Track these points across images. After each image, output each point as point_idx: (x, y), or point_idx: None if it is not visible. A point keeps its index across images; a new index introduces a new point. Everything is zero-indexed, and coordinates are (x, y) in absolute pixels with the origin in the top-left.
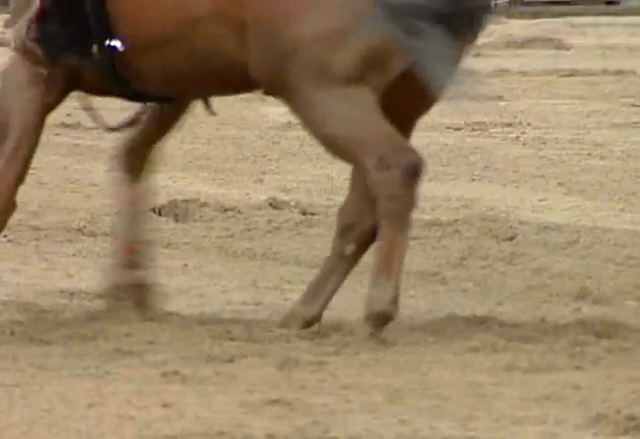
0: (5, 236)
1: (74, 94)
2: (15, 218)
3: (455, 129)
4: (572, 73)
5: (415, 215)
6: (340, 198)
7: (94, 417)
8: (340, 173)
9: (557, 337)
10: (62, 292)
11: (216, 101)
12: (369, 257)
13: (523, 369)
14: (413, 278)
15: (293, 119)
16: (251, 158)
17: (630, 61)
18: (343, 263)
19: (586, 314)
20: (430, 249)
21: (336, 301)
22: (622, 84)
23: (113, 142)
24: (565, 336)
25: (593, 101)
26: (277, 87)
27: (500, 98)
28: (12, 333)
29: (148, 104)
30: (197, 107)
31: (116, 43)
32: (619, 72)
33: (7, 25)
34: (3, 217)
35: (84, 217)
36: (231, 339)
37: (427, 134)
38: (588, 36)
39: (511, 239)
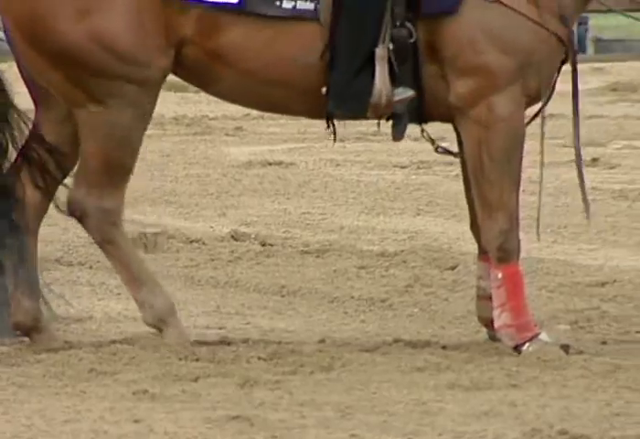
0: None
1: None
2: None
3: (402, 167)
4: None
5: (365, 246)
6: (297, 231)
7: (71, 432)
8: (296, 208)
9: (495, 357)
10: None
11: (183, 143)
12: (322, 285)
13: (464, 388)
14: (363, 304)
15: (254, 158)
16: (215, 194)
17: (560, 106)
18: None
19: None
20: (378, 277)
21: (293, 325)
22: (553, 126)
23: None
24: (503, 356)
25: (527, 141)
26: None
27: (443, 139)
28: None
29: None
30: (167, 147)
31: None
32: (550, 115)
33: None
34: None
35: (61, 248)
36: (197, 360)
37: (375, 172)
38: None
39: (453, 268)
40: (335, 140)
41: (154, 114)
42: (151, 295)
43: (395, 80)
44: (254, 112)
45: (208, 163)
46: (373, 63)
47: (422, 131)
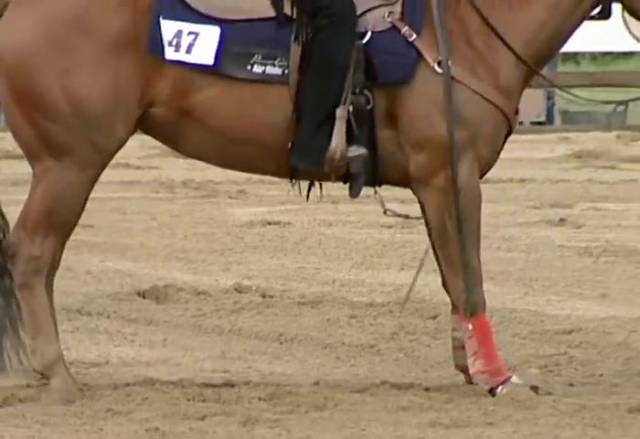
0: None
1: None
2: None
3: (388, 227)
4: (485, 181)
5: (355, 297)
6: (293, 284)
7: None
8: (293, 263)
9: (473, 398)
10: None
11: (191, 205)
12: (317, 333)
13: (445, 425)
14: (354, 350)
15: (255, 218)
16: (220, 251)
17: (531, 171)
18: None
19: None
20: (367, 325)
21: (290, 369)
22: (525, 190)
23: (105, 237)
24: (480, 397)
25: (502, 203)
26: None
27: None
28: (20, 400)
29: None
30: (176, 209)
31: None
32: (522, 180)
33: None
34: None
35: (81, 299)
36: (203, 401)
37: (365, 231)
38: None
39: (434, 317)
40: (308, 197)
41: (165, 179)
42: (44, 345)
43: (351, 139)
44: (255, 177)
45: (213, 223)
46: (333, 122)
47: (375, 193)
